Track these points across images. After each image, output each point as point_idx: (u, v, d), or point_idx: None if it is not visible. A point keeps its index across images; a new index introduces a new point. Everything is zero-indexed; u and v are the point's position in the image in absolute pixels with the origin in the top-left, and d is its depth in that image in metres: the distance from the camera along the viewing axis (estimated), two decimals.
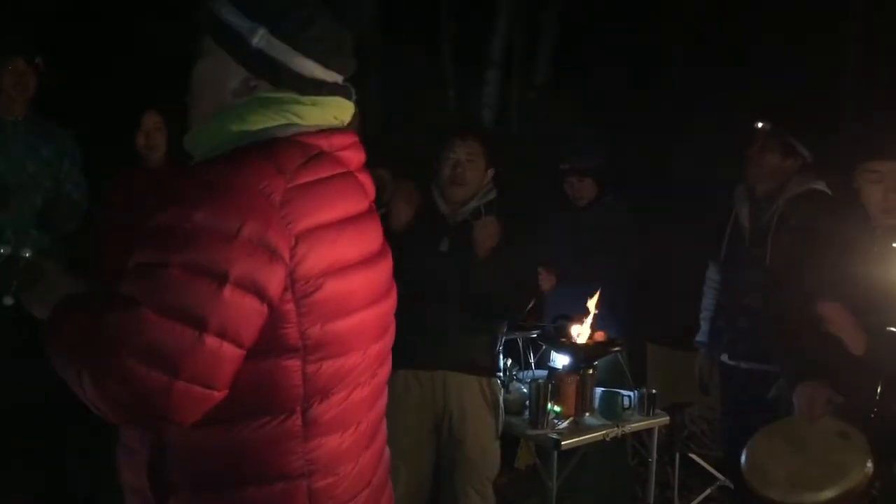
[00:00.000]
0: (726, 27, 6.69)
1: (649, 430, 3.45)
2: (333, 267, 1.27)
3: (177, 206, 1.18)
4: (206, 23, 1.33)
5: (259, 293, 1.17)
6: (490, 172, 3.04)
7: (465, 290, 2.85)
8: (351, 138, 1.40)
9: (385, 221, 2.86)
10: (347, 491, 1.34)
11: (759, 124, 3.37)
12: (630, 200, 4.11)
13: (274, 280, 1.19)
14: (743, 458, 2.41)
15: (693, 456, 4.17)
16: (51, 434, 3.21)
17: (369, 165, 1.48)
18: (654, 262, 4.41)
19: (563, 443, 3.08)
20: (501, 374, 3.17)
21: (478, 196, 3.00)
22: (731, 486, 3.80)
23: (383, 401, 1.49)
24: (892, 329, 2.05)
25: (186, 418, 1.17)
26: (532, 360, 3.64)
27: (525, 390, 3.30)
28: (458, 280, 2.85)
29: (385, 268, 1.46)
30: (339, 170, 1.33)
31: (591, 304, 3.33)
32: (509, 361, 3.49)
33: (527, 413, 3.22)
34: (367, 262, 1.37)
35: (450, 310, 2.87)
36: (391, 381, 2.91)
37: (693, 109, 6.40)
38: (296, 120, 1.30)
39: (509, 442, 3.47)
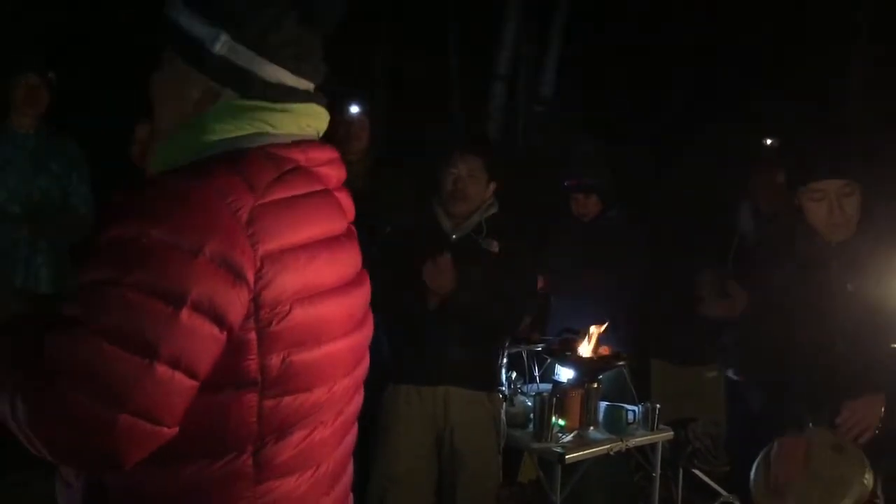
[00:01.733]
0: (730, 46, 6.73)
1: (653, 445, 3.45)
2: (304, 293, 1.15)
3: (133, 219, 1.06)
4: (163, 32, 1.22)
5: (218, 319, 1.06)
6: (492, 186, 3.04)
7: (465, 306, 2.86)
8: (330, 153, 1.29)
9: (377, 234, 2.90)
10: None
11: (769, 141, 3.38)
12: (633, 216, 4.13)
13: (235, 305, 1.07)
14: (752, 480, 2.40)
15: (697, 471, 4.16)
16: None
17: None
18: (658, 278, 4.41)
19: (567, 456, 3.09)
20: (504, 388, 3.17)
21: (480, 210, 3.01)
22: (736, 502, 3.78)
23: (351, 438, 1.36)
24: (895, 346, 2.06)
25: (131, 457, 1.04)
26: (537, 374, 3.64)
27: (529, 403, 3.31)
28: (458, 295, 2.85)
29: (362, 295, 1.34)
30: (317, 187, 1.22)
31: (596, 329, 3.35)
32: (514, 374, 3.50)
33: (531, 426, 3.23)
34: (341, 288, 1.25)
35: (451, 325, 2.87)
36: (392, 397, 2.96)
37: (698, 125, 6.42)
38: (267, 129, 1.19)
39: (513, 455, 3.47)
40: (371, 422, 2.96)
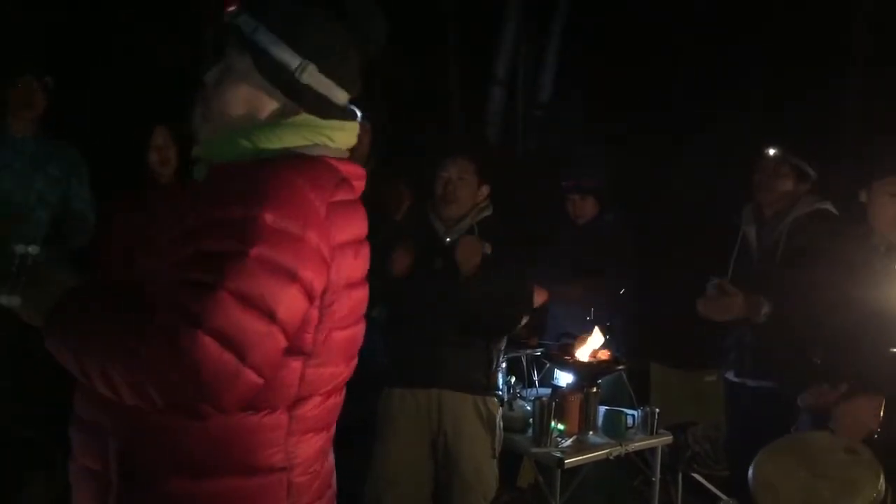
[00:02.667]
0: (730, 48, 6.73)
1: (652, 449, 3.44)
2: (347, 282, 1.34)
3: (246, 201, 1.20)
4: (234, 43, 1.34)
5: (312, 296, 1.25)
6: (484, 189, 3.04)
7: (458, 308, 2.85)
8: (360, 170, 1.45)
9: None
10: (319, 489, 1.39)
11: (771, 151, 3.36)
12: (632, 220, 4.12)
13: (322, 285, 1.27)
14: (750, 476, 2.39)
15: (697, 475, 4.15)
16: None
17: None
18: (657, 283, 4.41)
19: (566, 461, 3.08)
20: (500, 391, 3.15)
21: (472, 214, 3.00)
22: None
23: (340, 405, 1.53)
24: (894, 350, 2.05)
25: (232, 405, 1.19)
26: (536, 378, 3.63)
27: (528, 408, 3.30)
28: (451, 298, 2.85)
29: (366, 290, 1.50)
30: (354, 196, 1.39)
31: (597, 334, 3.34)
32: (513, 379, 3.49)
33: (530, 431, 3.22)
34: (362, 281, 1.44)
35: (444, 328, 2.86)
36: (387, 401, 2.95)
37: (697, 128, 6.42)
38: (327, 142, 1.36)
39: (512, 460, 3.46)
40: (367, 424, 2.96)
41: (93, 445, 1.28)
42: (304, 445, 1.34)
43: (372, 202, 2.91)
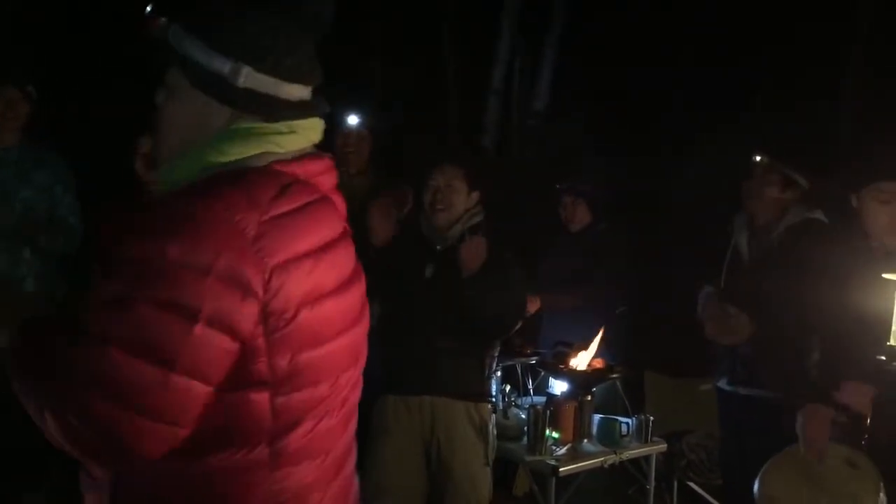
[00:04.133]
0: (727, 58, 6.77)
1: (647, 457, 3.45)
2: (309, 297, 1.23)
3: (148, 238, 1.14)
4: (170, 61, 1.25)
5: (231, 331, 1.14)
6: (475, 196, 3.05)
7: (450, 315, 2.86)
8: (325, 163, 1.35)
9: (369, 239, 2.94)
10: None
11: (757, 158, 3.39)
12: (627, 228, 4.14)
13: (245, 317, 1.15)
14: (756, 491, 2.39)
15: (691, 484, 4.16)
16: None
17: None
18: (652, 291, 4.43)
19: (560, 469, 3.09)
20: (493, 398, 3.17)
21: (462, 220, 3.01)
22: None
23: (353, 424, 1.44)
24: (881, 357, 2.07)
25: (151, 454, 1.14)
26: (531, 387, 3.64)
27: (523, 416, 3.31)
28: (443, 305, 2.86)
29: (358, 291, 1.40)
30: (314, 196, 1.28)
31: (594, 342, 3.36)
32: (508, 388, 3.51)
33: (525, 439, 3.23)
34: (341, 288, 1.32)
35: (436, 335, 2.88)
36: (380, 408, 2.96)
37: (693, 136, 6.45)
38: (275, 149, 1.26)
39: (508, 468, 3.48)
40: (361, 432, 2.96)
41: (92, 490, 1.27)
42: (297, 477, 1.26)
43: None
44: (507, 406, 3.42)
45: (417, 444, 2.96)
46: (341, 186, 1.41)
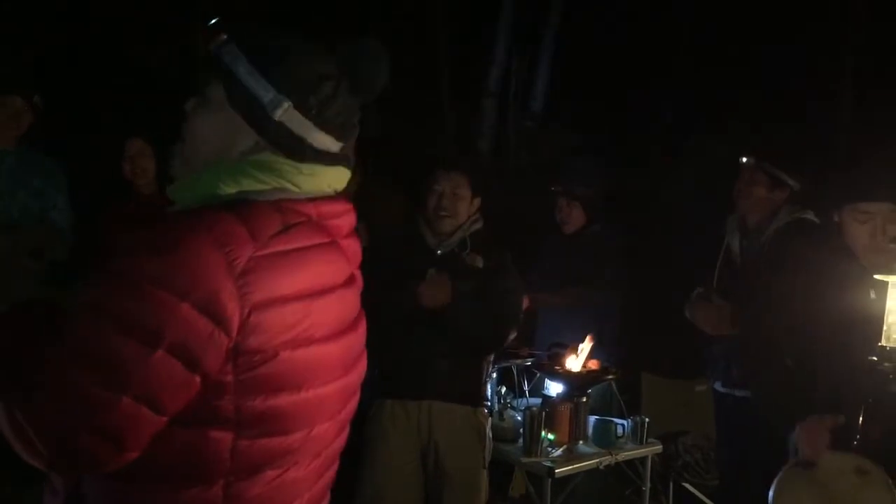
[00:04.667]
0: (723, 62, 6.79)
1: (642, 459, 3.47)
2: (291, 342, 1.18)
3: (134, 254, 1.12)
4: (214, 73, 1.24)
5: (192, 363, 1.10)
6: (476, 202, 3.07)
7: (448, 321, 2.87)
8: (343, 206, 1.33)
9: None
10: None
11: (744, 159, 3.43)
12: (621, 230, 4.15)
13: (211, 352, 1.11)
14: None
15: (687, 485, 4.17)
16: None
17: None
18: (648, 293, 4.44)
19: (556, 470, 3.10)
20: (489, 402, 3.18)
21: (464, 226, 3.03)
22: None
23: (330, 475, 1.39)
24: (873, 358, 2.08)
25: (95, 470, 1.11)
26: (526, 388, 3.66)
27: (519, 418, 3.32)
28: (442, 311, 2.87)
29: (355, 339, 1.36)
30: (321, 240, 1.25)
31: (586, 343, 3.37)
32: (503, 389, 3.52)
33: (521, 441, 3.25)
34: (335, 336, 1.27)
35: (435, 340, 2.89)
36: (377, 412, 2.97)
37: (687, 139, 6.47)
38: (289, 187, 1.24)
39: (504, 470, 3.49)
40: (358, 435, 2.97)
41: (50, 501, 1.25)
42: None
43: (365, 214, 2.96)
44: (503, 408, 3.44)
45: (414, 448, 2.97)
46: None
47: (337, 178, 1.31)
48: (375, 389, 2.98)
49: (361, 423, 2.97)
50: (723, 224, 3.70)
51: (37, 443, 1.08)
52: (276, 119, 1.22)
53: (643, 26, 7.01)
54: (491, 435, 3.05)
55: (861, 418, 2.15)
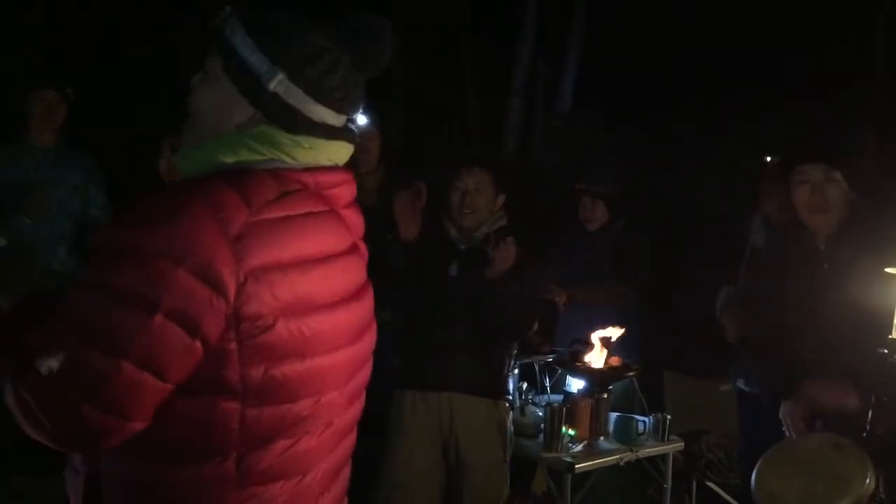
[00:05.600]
0: (751, 58, 6.74)
1: (664, 456, 3.46)
2: (291, 308, 1.18)
3: (131, 224, 1.13)
4: (216, 48, 1.26)
5: (191, 329, 1.10)
6: (500, 199, 3.10)
7: (472, 314, 2.90)
8: (342, 176, 1.33)
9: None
10: None
11: (769, 158, 3.42)
12: (646, 228, 4.15)
13: (210, 317, 1.11)
14: (752, 486, 2.44)
15: (710, 484, 4.15)
16: None
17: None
18: (671, 291, 4.42)
19: (576, 466, 3.11)
20: (510, 396, 3.20)
21: (487, 223, 3.07)
22: None
23: (347, 445, 1.38)
24: (883, 351, 2.09)
25: (102, 444, 1.12)
26: (548, 385, 3.67)
27: (540, 414, 3.33)
28: (466, 304, 2.90)
29: (360, 309, 1.36)
30: (318, 208, 1.26)
31: (613, 332, 3.38)
32: (525, 385, 3.53)
33: (541, 436, 3.26)
34: (339, 304, 1.28)
35: (457, 332, 2.92)
36: (398, 403, 3.00)
37: (714, 137, 6.43)
38: (286, 159, 1.24)
39: (527, 466, 3.50)
40: (379, 426, 3.01)
41: (73, 485, 1.28)
42: (267, 496, 1.20)
43: (383, 211, 2.99)
44: (525, 404, 3.45)
45: (435, 440, 2.99)
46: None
47: (337, 152, 1.31)
48: (397, 380, 3.01)
49: (383, 414, 3.00)
50: (748, 223, 3.69)
51: (42, 419, 1.09)
52: (271, 90, 1.22)
53: (671, 22, 6.98)
54: (512, 429, 3.07)
55: (871, 412, 2.17)
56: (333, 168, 1.31)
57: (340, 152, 1.32)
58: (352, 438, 1.40)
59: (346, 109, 1.30)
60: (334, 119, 1.29)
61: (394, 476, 2.97)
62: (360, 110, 1.35)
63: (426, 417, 2.98)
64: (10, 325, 1.21)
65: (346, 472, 1.40)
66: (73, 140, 3.71)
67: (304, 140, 1.25)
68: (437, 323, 2.93)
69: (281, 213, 1.18)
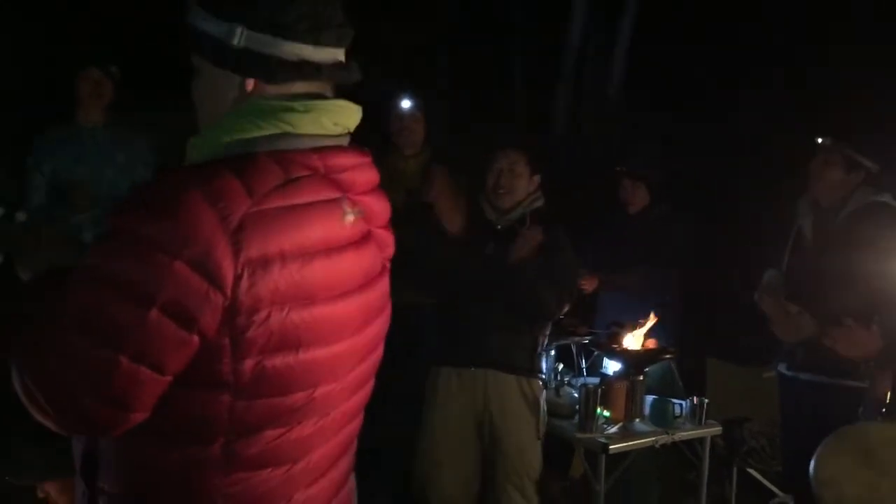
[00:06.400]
0: (800, 46, 6.56)
1: (702, 440, 3.43)
2: (288, 301, 1.14)
3: (131, 213, 1.10)
4: (190, 39, 1.23)
5: (187, 322, 1.08)
6: (536, 179, 3.11)
7: (507, 292, 2.92)
8: (355, 158, 1.26)
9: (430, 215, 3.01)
10: None
11: (820, 139, 3.33)
12: (689, 214, 4.10)
13: (207, 311, 1.08)
14: (812, 472, 2.36)
15: (751, 471, 4.10)
16: None
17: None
18: (712, 276, 4.35)
19: (611, 447, 3.11)
20: (543, 374, 3.21)
21: (524, 203, 3.09)
22: (792, 503, 3.71)
23: (350, 429, 1.35)
24: None
25: (106, 433, 1.13)
26: (584, 366, 3.66)
27: (576, 395, 3.33)
28: (501, 282, 2.93)
29: (370, 298, 1.31)
30: (329, 195, 1.21)
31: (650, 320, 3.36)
32: (561, 366, 3.53)
33: (577, 417, 3.26)
34: (343, 296, 1.23)
35: (492, 310, 2.94)
36: (433, 380, 3.04)
37: (761, 121, 6.29)
38: (287, 129, 1.18)
39: (565, 450, 3.51)
40: (416, 402, 3.06)
41: (76, 452, 1.27)
42: (248, 484, 1.18)
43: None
44: (560, 385, 3.45)
45: (470, 416, 3.03)
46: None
47: (340, 113, 1.24)
48: (436, 356, 3.04)
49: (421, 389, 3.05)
50: (795, 205, 3.60)
51: (47, 407, 1.10)
52: (237, 46, 1.18)
53: (723, 8, 6.84)
54: (545, 407, 3.08)
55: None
56: (345, 150, 1.26)
57: (344, 114, 1.25)
58: (356, 423, 1.38)
59: (325, 39, 1.21)
60: (314, 53, 1.20)
61: (431, 452, 3.03)
62: (349, 38, 1.26)
63: (460, 394, 3.02)
64: (27, 296, 1.23)
65: (350, 456, 1.39)
66: (122, 118, 3.77)
67: (299, 104, 1.19)
68: (473, 301, 2.95)
69: (284, 203, 1.13)
